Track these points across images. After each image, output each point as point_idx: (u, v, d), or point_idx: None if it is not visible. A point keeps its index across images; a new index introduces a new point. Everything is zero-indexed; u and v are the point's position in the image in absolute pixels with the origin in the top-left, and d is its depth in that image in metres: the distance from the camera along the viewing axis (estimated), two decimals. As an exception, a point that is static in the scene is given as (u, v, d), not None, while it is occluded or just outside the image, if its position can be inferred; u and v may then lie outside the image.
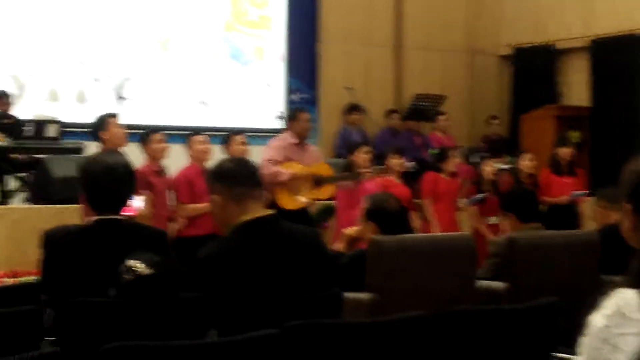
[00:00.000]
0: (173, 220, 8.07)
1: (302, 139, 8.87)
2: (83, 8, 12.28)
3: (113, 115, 8.10)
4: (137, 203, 4.92)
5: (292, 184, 8.62)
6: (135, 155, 8.39)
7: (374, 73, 14.56)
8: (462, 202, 10.03)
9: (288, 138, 8.84)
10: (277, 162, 8.60)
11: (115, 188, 4.08)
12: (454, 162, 10.08)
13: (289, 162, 8.68)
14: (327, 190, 8.92)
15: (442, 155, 10.17)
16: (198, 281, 3.73)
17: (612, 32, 14.18)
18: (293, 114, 9.07)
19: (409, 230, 5.49)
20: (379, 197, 5.47)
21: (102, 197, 4.08)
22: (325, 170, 8.93)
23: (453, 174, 10.07)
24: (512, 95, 15.55)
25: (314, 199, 8.97)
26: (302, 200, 8.69)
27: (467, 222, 10.09)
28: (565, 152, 10.55)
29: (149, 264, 3.62)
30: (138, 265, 3.59)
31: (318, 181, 8.72)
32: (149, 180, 7.81)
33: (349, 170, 9.16)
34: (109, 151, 4.76)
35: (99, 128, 7.81)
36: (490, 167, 10.01)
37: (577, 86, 14.85)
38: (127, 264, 3.61)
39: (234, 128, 9.80)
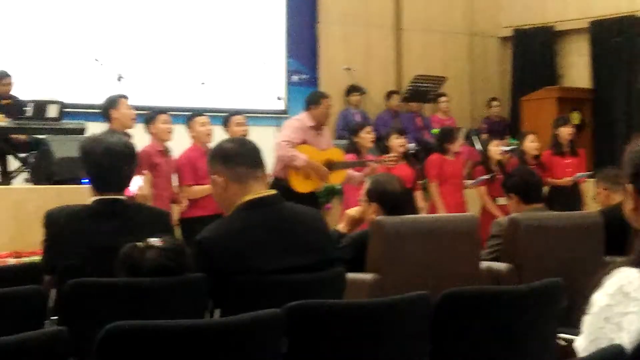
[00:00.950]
0: (176, 202, 8.09)
1: (319, 124, 8.86)
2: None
3: (124, 97, 8.15)
4: (136, 183, 4.90)
5: (306, 169, 8.62)
6: (138, 137, 8.45)
7: (373, 54, 14.54)
8: (468, 182, 10.02)
9: (306, 120, 8.81)
10: (294, 145, 8.59)
11: (116, 168, 4.08)
12: (459, 143, 10.05)
13: (305, 146, 8.67)
14: (338, 176, 8.92)
15: (447, 135, 10.12)
16: (200, 261, 3.73)
17: (612, 13, 14.16)
18: (316, 99, 8.99)
19: (412, 211, 5.50)
20: (381, 178, 5.47)
21: (104, 177, 4.08)
22: (337, 155, 8.92)
23: (457, 154, 10.05)
24: (512, 77, 15.54)
25: (325, 184, 9.01)
26: (313, 183, 8.72)
27: (474, 203, 10.08)
28: (565, 131, 10.53)
29: (163, 240, 3.62)
30: (155, 242, 3.58)
31: (330, 167, 8.73)
32: (153, 161, 7.83)
33: (353, 150, 9.18)
34: (110, 131, 4.78)
35: (110, 106, 7.85)
36: (497, 148, 9.99)
37: (577, 67, 14.84)
38: (143, 244, 3.59)
39: (233, 109, 9.80)
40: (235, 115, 8.74)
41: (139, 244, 3.60)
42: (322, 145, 8.83)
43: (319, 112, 8.82)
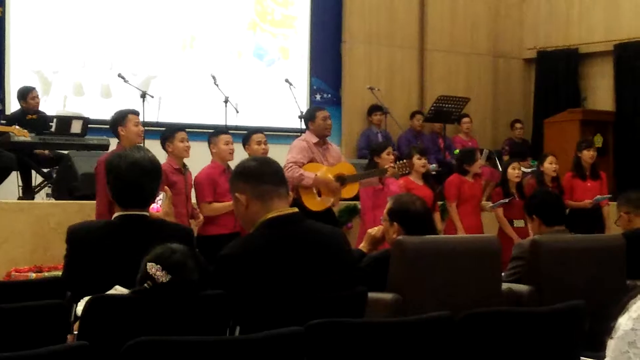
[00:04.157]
0: (194, 217, 8.08)
1: (322, 138, 8.87)
2: (108, 5, 12.33)
3: (134, 112, 8.05)
4: (158, 200, 4.87)
5: (316, 186, 8.63)
6: (157, 153, 8.42)
7: (397, 74, 14.57)
8: (487, 205, 9.99)
9: (309, 138, 8.83)
10: (301, 164, 8.59)
11: (141, 184, 4.06)
12: (479, 165, 10.02)
13: (313, 163, 8.68)
14: (350, 190, 8.90)
15: (467, 156, 10.10)
16: (221, 278, 3.73)
17: (636, 36, 14.14)
18: (311, 113, 9.05)
19: (434, 231, 5.47)
20: (403, 198, 5.44)
21: (128, 193, 4.07)
22: (347, 169, 8.92)
23: (476, 176, 10.03)
24: (535, 99, 15.51)
25: (338, 199, 8.96)
26: (326, 201, 8.69)
27: (491, 225, 10.04)
28: (587, 155, 10.49)
29: (167, 267, 3.61)
30: (157, 273, 3.58)
31: (341, 181, 8.72)
32: (169, 179, 7.81)
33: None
34: (135, 147, 4.76)
35: (118, 123, 7.81)
36: (516, 170, 9.95)
37: (600, 90, 14.81)
38: (145, 269, 3.60)
39: (255, 127, 9.81)
40: (255, 133, 8.72)
41: (141, 274, 3.61)
42: (330, 160, 8.83)
43: (317, 125, 8.84)
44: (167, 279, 3.56)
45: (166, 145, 8.08)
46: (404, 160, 9.30)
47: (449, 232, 9.70)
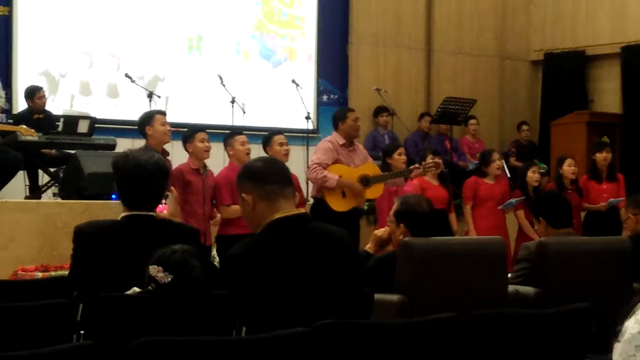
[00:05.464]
0: (211, 218, 8.06)
1: (350, 139, 8.86)
2: (115, 6, 12.33)
3: (161, 113, 8.15)
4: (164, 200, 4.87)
5: (339, 188, 8.62)
6: (176, 154, 8.45)
7: (404, 76, 14.56)
8: (500, 207, 9.94)
9: (337, 139, 8.81)
10: (325, 166, 8.58)
11: (146, 185, 4.07)
12: (496, 166, 9.97)
13: (337, 165, 8.65)
14: (375, 190, 8.89)
15: (485, 159, 10.08)
16: (227, 279, 3.73)
17: (644, 38, 14.13)
18: (342, 114, 9.01)
19: (443, 232, 5.46)
20: (409, 199, 5.44)
21: (134, 194, 4.08)
22: (372, 170, 8.91)
23: (496, 178, 9.97)
24: (542, 101, 15.48)
25: (363, 200, 8.96)
26: (351, 202, 8.69)
27: (511, 226, 10.02)
28: (600, 157, 10.46)
29: (168, 267, 3.62)
30: (158, 275, 3.60)
31: (366, 182, 8.71)
32: (185, 178, 7.81)
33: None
34: (143, 148, 4.77)
35: (146, 123, 7.86)
36: (536, 174, 9.94)
37: (607, 92, 14.78)
38: (148, 272, 3.62)
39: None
40: (276, 135, 8.65)
41: (145, 277, 3.64)
42: (356, 162, 8.82)
43: (348, 126, 8.83)
44: (169, 280, 3.58)
45: (187, 146, 8.06)
46: (432, 160, 9.30)
47: (469, 234, 9.71)
